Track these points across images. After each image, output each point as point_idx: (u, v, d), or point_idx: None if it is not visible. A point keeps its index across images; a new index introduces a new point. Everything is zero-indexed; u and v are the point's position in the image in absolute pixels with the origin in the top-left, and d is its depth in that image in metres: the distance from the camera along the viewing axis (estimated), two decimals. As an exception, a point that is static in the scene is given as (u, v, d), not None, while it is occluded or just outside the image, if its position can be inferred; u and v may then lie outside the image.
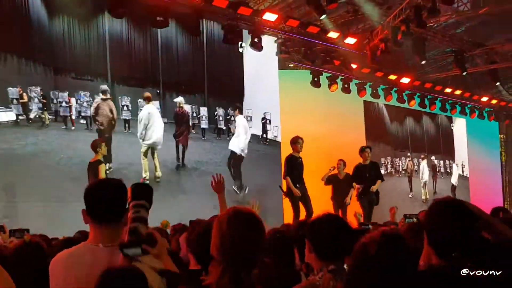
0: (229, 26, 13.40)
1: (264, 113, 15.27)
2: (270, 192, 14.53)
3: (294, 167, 12.03)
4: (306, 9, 14.16)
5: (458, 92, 19.95)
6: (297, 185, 11.92)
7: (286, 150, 14.90)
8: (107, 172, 11.35)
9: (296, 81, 16.55)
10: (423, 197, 19.37)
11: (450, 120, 21.73)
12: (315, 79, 16.25)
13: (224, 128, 14.53)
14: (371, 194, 12.52)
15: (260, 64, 15.11)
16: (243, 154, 14.57)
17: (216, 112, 14.39)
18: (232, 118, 14.56)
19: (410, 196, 19.01)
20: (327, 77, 16.67)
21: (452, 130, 21.84)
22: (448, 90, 19.68)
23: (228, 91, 14.85)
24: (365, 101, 18.30)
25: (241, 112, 14.63)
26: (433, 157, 20.60)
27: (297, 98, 16.19)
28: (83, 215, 3.05)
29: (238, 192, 14.24)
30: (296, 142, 12.08)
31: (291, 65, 16.81)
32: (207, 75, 14.17)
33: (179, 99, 13.51)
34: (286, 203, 14.32)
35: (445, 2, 12.53)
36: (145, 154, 12.74)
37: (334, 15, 15.10)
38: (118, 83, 12.66)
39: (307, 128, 15.78)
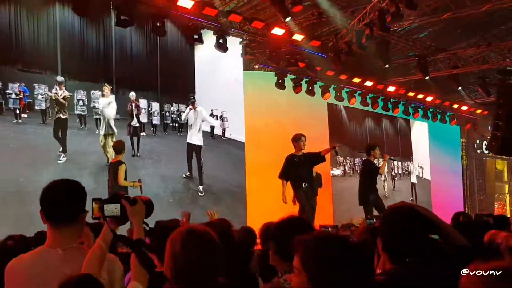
0: (193, 26, 13.35)
1: (211, 109, 14.91)
2: (232, 192, 14.62)
3: (294, 167, 11.36)
4: (271, 11, 14.15)
5: (420, 96, 20.19)
6: (303, 184, 11.31)
7: (250, 150, 14.99)
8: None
9: (261, 82, 16.50)
10: (386, 194, 19.55)
11: (408, 123, 21.90)
12: (280, 81, 16.24)
13: (172, 124, 14.20)
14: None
15: (216, 63, 15.00)
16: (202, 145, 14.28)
17: (167, 109, 14.12)
18: (187, 111, 14.14)
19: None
20: (291, 79, 16.67)
21: (410, 132, 22.01)
22: (411, 94, 19.90)
23: (180, 88, 14.50)
24: (328, 104, 18.35)
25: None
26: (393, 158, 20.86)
27: (262, 100, 16.18)
28: (40, 215, 3.02)
29: (201, 192, 14.07)
30: (299, 139, 11.42)
31: (256, 67, 16.79)
32: (160, 72, 13.87)
33: (132, 94, 13.33)
34: (250, 203, 14.43)
35: (409, 7, 12.63)
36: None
37: (299, 17, 15.15)
38: (69, 77, 12.23)
39: (272, 129, 15.88)
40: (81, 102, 12.44)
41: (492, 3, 14.15)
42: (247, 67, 16.08)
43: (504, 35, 17.97)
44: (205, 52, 14.41)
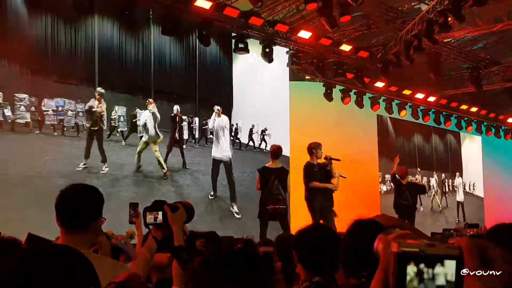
0: (239, 36, 13.43)
1: (252, 124, 14.93)
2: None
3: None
4: (319, 21, 14.10)
5: (474, 109, 19.75)
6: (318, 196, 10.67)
7: (295, 164, 14.73)
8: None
9: (307, 93, 16.43)
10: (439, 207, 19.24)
11: (458, 139, 21.42)
12: (328, 91, 16.15)
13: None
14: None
15: (259, 74, 14.99)
16: (228, 160, 13.92)
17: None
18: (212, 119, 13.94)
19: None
20: (340, 90, 16.56)
21: (460, 148, 21.51)
22: (464, 107, 19.49)
23: (218, 100, 14.33)
24: (378, 115, 18.15)
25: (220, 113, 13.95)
26: (443, 175, 20.48)
27: (307, 111, 16.09)
28: (56, 219, 3.03)
29: (237, 214, 13.76)
30: (318, 147, 10.77)
31: (308, 77, 16.73)
32: (198, 85, 14.03)
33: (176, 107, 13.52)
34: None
35: (457, 18, 12.40)
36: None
37: (348, 28, 15.09)
38: (106, 89, 12.41)
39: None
40: (122, 118, 12.82)
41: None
42: (294, 77, 16.03)
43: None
44: (244, 64, 14.43)
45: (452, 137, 21.12)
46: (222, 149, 13.78)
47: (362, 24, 15.10)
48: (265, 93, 14.99)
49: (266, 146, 14.97)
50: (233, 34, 13.52)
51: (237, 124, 14.76)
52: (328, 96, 16.14)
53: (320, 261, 3.08)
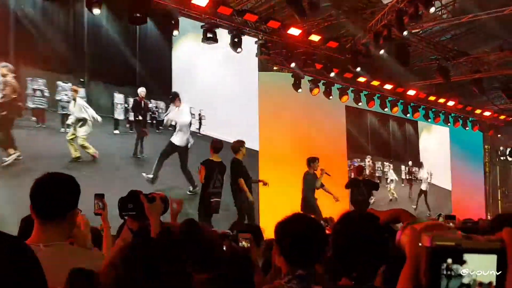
0: (209, 25, 13.19)
1: (190, 108, 13.72)
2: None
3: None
4: (289, 11, 13.94)
5: (442, 100, 19.84)
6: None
7: (264, 159, 14.60)
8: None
9: (277, 83, 16.29)
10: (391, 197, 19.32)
11: (416, 128, 21.38)
12: (297, 82, 16.03)
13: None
14: None
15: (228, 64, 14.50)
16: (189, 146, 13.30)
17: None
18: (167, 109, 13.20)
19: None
20: (308, 80, 16.47)
21: (417, 137, 21.52)
22: (432, 98, 19.56)
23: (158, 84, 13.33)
24: (346, 106, 18.10)
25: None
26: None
27: (277, 102, 15.95)
28: (30, 209, 2.89)
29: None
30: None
31: (275, 68, 16.62)
32: (138, 67, 12.89)
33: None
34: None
35: (426, 6, 12.35)
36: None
37: (317, 18, 14.98)
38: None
39: (288, 130, 15.72)
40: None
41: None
42: (262, 68, 15.84)
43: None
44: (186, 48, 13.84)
45: (410, 127, 21.14)
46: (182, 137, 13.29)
47: (331, 14, 14.99)
48: (233, 84, 14.60)
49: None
50: (202, 24, 13.24)
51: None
52: (297, 86, 16.03)
53: (304, 253, 2.93)
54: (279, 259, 3.00)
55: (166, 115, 13.20)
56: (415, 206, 19.90)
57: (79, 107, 11.61)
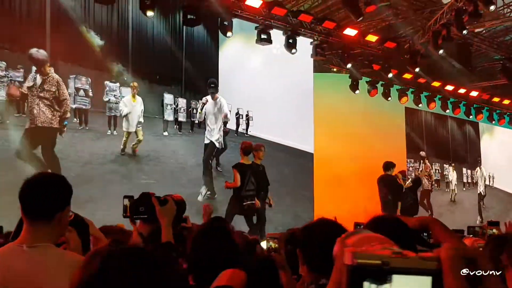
0: (263, 26, 13.15)
1: (237, 109, 13.58)
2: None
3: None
4: (345, 12, 13.75)
5: (506, 101, 19.19)
6: None
7: (318, 160, 14.46)
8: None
9: (333, 84, 16.11)
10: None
11: (476, 129, 20.70)
12: (354, 83, 15.79)
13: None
14: None
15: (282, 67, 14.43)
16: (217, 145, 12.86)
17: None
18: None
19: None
20: (366, 81, 16.19)
21: (479, 139, 20.81)
22: (496, 99, 18.94)
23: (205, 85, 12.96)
24: (406, 108, 17.74)
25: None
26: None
27: (333, 102, 15.77)
28: (20, 210, 2.80)
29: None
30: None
31: (335, 70, 16.42)
32: (185, 66, 12.76)
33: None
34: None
35: (486, 4, 11.95)
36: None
37: (375, 19, 14.73)
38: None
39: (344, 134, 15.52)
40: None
41: None
42: (318, 68, 15.68)
43: None
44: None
45: (470, 127, 20.50)
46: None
47: (389, 14, 14.69)
48: (286, 85, 14.44)
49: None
50: (256, 25, 13.21)
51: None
52: (354, 88, 15.78)
53: (329, 261, 2.81)
54: (302, 268, 2.86)
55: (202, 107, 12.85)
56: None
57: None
